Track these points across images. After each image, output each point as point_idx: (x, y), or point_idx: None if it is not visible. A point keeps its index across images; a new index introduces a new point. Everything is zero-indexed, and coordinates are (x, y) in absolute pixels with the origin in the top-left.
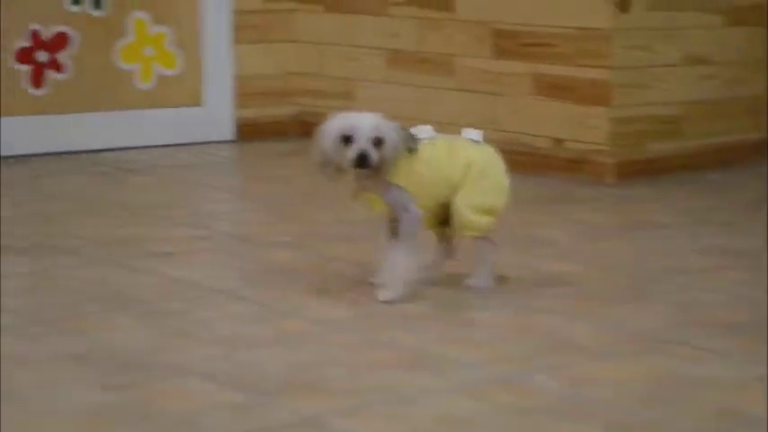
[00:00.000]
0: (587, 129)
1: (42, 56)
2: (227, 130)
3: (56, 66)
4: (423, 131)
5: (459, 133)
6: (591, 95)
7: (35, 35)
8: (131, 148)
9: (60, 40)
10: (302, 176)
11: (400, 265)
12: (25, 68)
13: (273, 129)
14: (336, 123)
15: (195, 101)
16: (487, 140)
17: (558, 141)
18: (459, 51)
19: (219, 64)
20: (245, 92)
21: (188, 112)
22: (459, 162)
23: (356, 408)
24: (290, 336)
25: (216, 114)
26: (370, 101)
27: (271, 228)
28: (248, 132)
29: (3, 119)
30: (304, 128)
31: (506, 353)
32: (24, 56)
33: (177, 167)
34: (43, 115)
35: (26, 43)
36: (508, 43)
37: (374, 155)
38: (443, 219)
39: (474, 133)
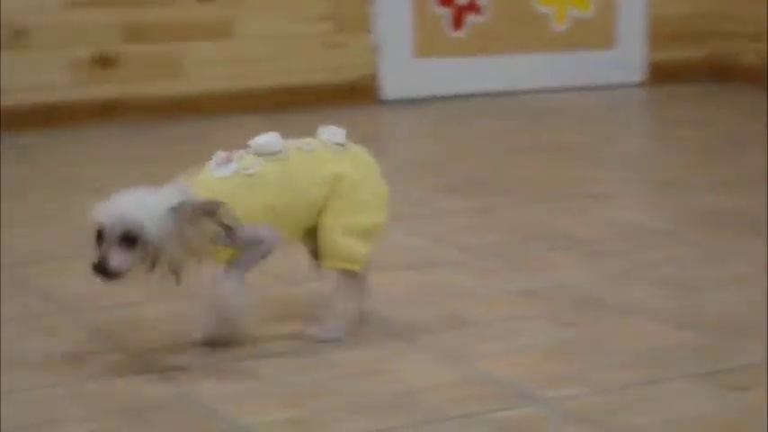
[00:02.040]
0: None
1: None
2: (637, 73)
3: (475, 8)
4: (265, 144)
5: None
6: None
7: None
8: (545, 90)
9: None
10: (718, 120)
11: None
12: (446, 11)
13: (684, 71)
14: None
15: (607, 43)
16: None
17: None
18: None
19: (633, 5)
20: (657, 33)
21: (600, 55)
22: (322, 177)
23: None
24: (735, 279)
25: (628, 56)
26: None
27: (695, 171)
28: (658, 75)
29: (424, 60)
30: (715, 71)
31: None
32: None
33: (591, 109)
34: (462, 57)
35: None
36: None
37: (122, 259)
38: (312, 249)
39: (336, 133)
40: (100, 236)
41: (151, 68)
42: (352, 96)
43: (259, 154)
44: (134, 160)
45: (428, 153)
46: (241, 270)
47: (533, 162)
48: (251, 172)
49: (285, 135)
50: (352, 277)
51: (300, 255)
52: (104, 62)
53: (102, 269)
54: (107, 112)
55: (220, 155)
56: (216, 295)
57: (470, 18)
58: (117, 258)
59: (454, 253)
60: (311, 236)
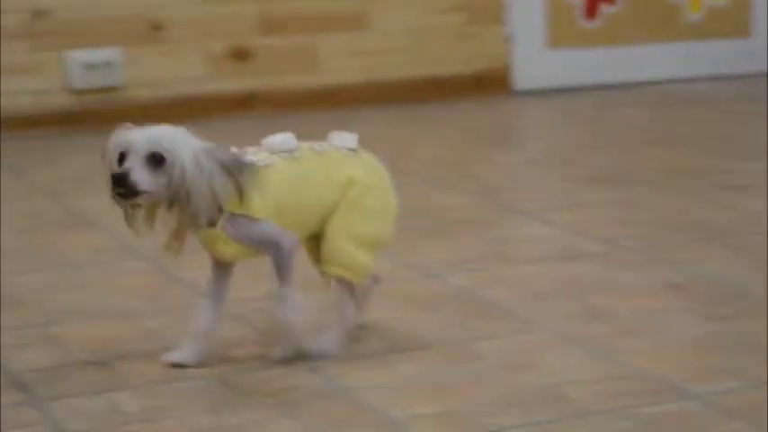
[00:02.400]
0: None
1: None
2: None
3: None
4: (280, 142)
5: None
6: None
7: None
8: (679, 79)
9: None
10: None
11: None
12: (578, 1)
13: None
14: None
15: (742, 31)
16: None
17: None
18: None
19: None
20: None
21: (734, 43)
22: (335, 180)
23: None
24: None
25: (763, 45)
26: None
27: None
28: None
29: (556, 51)
30: None
31: None
32: None
33: (725, 99)
34: (595, 47)
35: None
36: None
37: (145, 177)
38: (315, 255)
39: (348, 139)
40: (122, 157)
41: (286, 61)
42: (484, 87)
43: (273, 152)
44: None
45: (564, 144)
46: (286, 288)
47: (671, 153)
48: (265, 164)
49: (417, 127)
50: (351, 288)
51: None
52: (240, 55)
53: (120, 180)
54: (243, 104)
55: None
56: (278, 322)
57: (603, 8)
58: (140, 174)
59: (597, 245)
60: (315, 240)
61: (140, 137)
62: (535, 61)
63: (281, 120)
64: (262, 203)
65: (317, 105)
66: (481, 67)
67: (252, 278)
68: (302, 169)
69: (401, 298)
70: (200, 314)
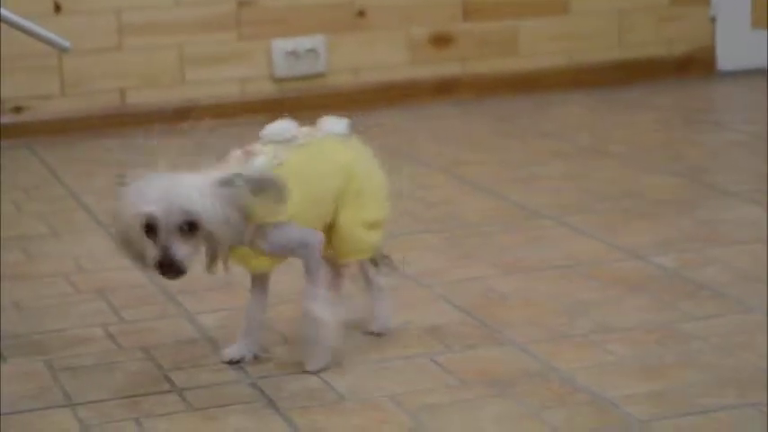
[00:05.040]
0: None
1: None
2: None
3: None
4: (279, 131)
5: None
6: None
7: None
8: None
9: None
10: None
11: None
12: None
13: None
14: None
15: None
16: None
17: None
18: None
19: None
20: None
21: None
22: (339, 168)
23: None
24: None
25: None
26: None
27: None
28: None
29: (761, 31)
30: None
31: None
32: None
33: None
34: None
35: None
36: None
37: (185, 250)
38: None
39: (339, 124)
40: (150, 229)
41: (487, 46)
42: (687, 69)
43: (274, 142)
44: (472, 136)
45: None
46: (317, 287)
47: None
48: (278, 162)
49: (619, 109)
50: (368, 264)
51: None
52: (441, 41)
53: (169, 265)
54: (443, 90)
55: (237, 153)
56: (312, 321)
57: None
58: (180, 249)
59: None
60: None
61: (164, 208)
62: (739, 42)
63: (480, 105)
64: (284, 205)
65: (516, 90)
66: (685, 49)
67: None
68: (311, 160)
69: (609, 279)
70: (248, 310)
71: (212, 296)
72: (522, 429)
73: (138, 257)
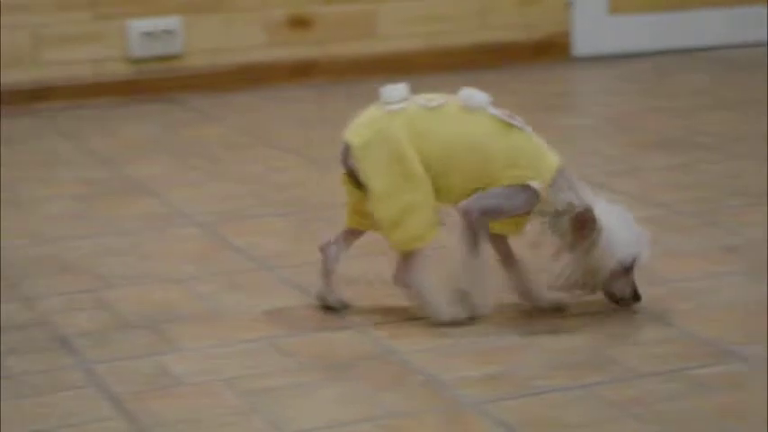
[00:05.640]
0: None
1: None
2: None
3: None
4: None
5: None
6: None
7: None
8: (740, 45)
9: None
10: None
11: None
12: None
13: None
14: (630, 244)
15: None
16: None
17: None
18: None
19: None
20: None
21: None
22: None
23: None
24: None
25: None
26: None
27: None
28: None
29: (617, 16)
30: None
31: None
32: None
33: None
34: (656, 13)
35: None
36: None
37: None
38: None
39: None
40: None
41: (346, 29)
42: (544, 54)
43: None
44: (327, 120)
45: (623, 110)
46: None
47: (729, 118)
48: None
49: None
50: None
51: None
52: (300, 23)
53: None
54: (302, 72)
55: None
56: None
57: None
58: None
59: (653, 209)
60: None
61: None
62: (596, 27)
63: (337, 88)
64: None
65: (375, 73)
66: (541, 34)
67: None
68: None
69: None
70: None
71: (53, 280)
72: (355, 411)
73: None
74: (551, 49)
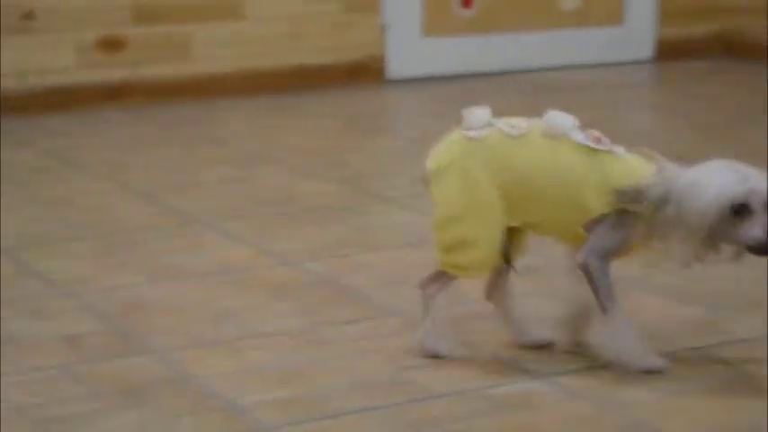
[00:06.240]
0: None
1: None
2: (647, 49)
3: None
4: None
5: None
6: None
7: None
8: (555, 67)
9: None
10: (726, 96)
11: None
12: None
13: (694, 47)
14: (727, 183)
15: (617, 19)
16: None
17: None
18: None
19: None
20: (666, 9)
21: (609, 31)
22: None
23: None
24: None
25: (637, 33)
26: None
27: (702, 147)
28: (668, 51)
29: (432, 39)
30: (725, 47)
31: None
32: None
33: (600, 86)
34: (471, 36)
35: None
36: None
37: None
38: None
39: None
40: (740, 210)
41: (159, 50)
42: (358, 77)
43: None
44: (140, 142)
45: (433, 132)
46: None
47: None
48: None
49: (289, 116)
50: None
51: None
52: (112, 45)
53: None
54: (114, 95)
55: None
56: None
57: None
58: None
59: None
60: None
61: (760, 189)
62: (411, 50)
63: (149, 110)
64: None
65: (188, 95)
66: (355, 57)
67: None
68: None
69: (258, 285)
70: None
71: None
72: None
73: (710, 245)
74: (365, 72)
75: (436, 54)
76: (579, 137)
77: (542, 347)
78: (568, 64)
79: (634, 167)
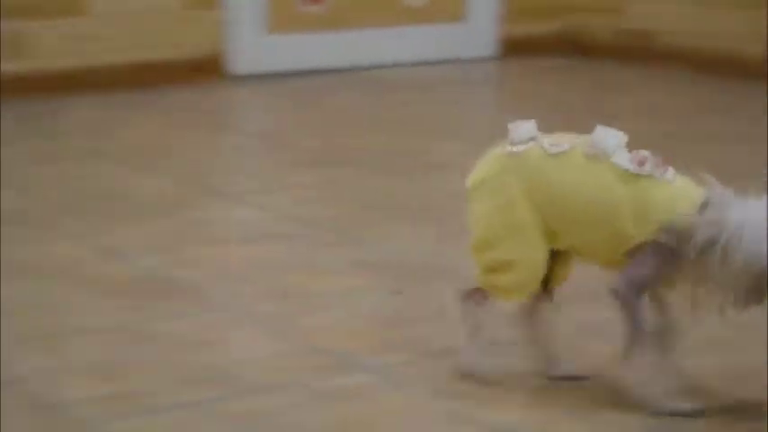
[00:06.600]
0: None
1: None
2: (489, 47)
3: None
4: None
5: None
6: None
7: None
8: (398, 64)
9: None
10: (566, 94)
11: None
12: None
13: (537, 45)
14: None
15: (459, 16)
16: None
17: None
18: None
19: None
20: (509, 8)
21: (452, 28)
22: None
23: None
24: None
25: (480, 30)
26: (641, 18)
27: None
28: (511, 49)
29: (276, 36)
30: (569, 45)
31: None
32: None
33: (441, 83)
34: (315, 32)
35: None
36: None
37: None
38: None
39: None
40: None
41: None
42: (199, 73)
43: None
44: None
45: (276, 128)
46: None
47: (381, 136)
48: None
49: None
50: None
51: None
52: None
53: None
54: None
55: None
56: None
57: None
58: None
59: (293, 226)
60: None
61: None
62: (254, 46)
63: None
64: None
65: (28, 92)
66: (197, 53)
67: None
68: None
69: (87, 281)
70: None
71: None
72: None
73: (755, 297)
74: (207, 68)
75: (280, 50)
76: (621, 158)
77: (574, 380)
78: (413, 60)
79: (677, 195)
